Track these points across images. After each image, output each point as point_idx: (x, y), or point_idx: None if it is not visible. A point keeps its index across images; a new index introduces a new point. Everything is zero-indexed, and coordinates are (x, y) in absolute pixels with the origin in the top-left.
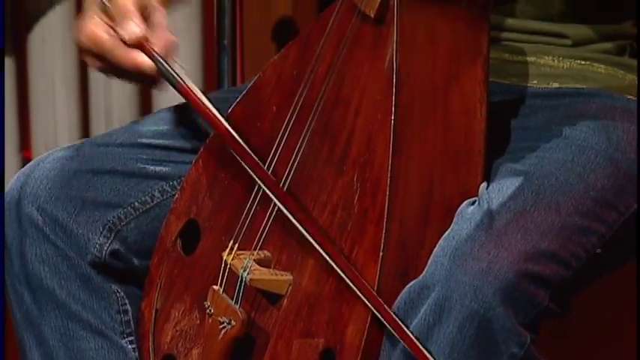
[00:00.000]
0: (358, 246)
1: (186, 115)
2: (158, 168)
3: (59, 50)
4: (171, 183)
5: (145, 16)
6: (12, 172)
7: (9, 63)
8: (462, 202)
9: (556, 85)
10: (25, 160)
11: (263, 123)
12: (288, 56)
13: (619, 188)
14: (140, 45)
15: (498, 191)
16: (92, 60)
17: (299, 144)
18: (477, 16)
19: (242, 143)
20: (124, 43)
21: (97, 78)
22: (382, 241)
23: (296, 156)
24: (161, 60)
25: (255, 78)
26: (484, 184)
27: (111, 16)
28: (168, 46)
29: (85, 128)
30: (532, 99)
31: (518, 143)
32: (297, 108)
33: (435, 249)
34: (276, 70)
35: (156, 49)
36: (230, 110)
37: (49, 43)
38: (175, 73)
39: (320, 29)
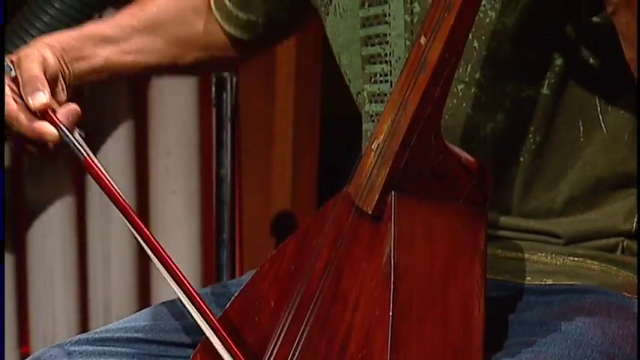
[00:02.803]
0: None
1: (184, 309)
2: None
3: (59, 245)
4: None
5: (54, 90)
6: None
7: (8, 258)
8: None
9: (550, 281)
10: (24, 355)
11: (261, 317)
12: (286, 251)
13: None
14: (45, 113)
15: None
16: None
17: (297, 339)
18: (474, 213)
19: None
20: (29, 110)
21: (96, 272)
22: None
23: (294, 351)
24: (65, 129)
25: (254, 272)
26: None
27: (18, 83)
28: (72, 115)
29: (83, 322)
30: (527, 295)
31: (514, 338)
32: (296, 303)
33: None
34: (274, 265)
35: (60, 118)
36: (229, 304)
37: (48, 237)
38: (79, 144)
39: (318, 225)
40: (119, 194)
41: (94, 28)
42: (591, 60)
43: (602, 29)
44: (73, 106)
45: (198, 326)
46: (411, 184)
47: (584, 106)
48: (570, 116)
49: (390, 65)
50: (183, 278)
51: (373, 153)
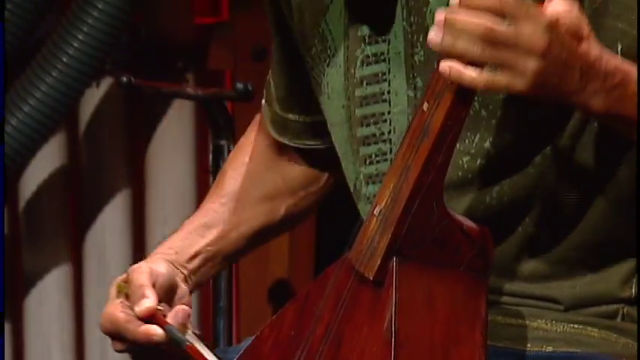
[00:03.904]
0: None
1: None
2: None
3: (56, 313)
4: None
5: (171, 297)
6: None
7: (5, 326)
8: None
9: (550, 348)
10: None
11: None
12: (285, 317)
13: None
14: (152, 317)
15: None
16: (114, 343)
17: None
18: (475, 280)
19: None
20: (138, 319)
21: (93, 341)
22: None
23: None
24: (172, 329)
25: (253, 338)
26: None
27: (129, 297)
28: (180, 315)
29: None
30: None
31: None
32: None
33: None
34: (274, 329)
35: (168, 320)
36: None
37: (45, 305)
38: (186, 339)
39: (318, 290)
40: None
41: (193, 220)
42: (597, 122)
43: None
44: (182, 307)
45: None
46: (413, 251)
47: (588, 170)
48: (574, 179)
49: (391, 143)
50: None
51: (375, 218)
